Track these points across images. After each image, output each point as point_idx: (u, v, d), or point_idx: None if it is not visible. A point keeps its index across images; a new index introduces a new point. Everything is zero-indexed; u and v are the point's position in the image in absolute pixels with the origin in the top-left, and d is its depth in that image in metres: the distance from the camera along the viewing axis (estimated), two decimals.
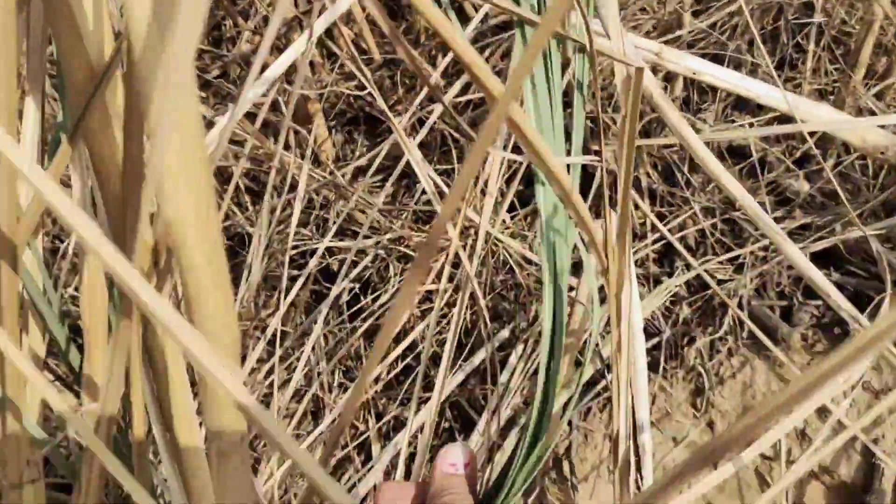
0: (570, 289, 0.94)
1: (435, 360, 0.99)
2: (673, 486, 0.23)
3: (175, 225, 0.21)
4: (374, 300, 1.00)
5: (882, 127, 0.92)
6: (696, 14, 1.13)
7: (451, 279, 0.98)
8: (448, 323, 0.99)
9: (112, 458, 0.32)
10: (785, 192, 1.06)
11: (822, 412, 0.93)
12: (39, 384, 0.32)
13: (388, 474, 0.94)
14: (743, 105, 1.15)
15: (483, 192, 0.96)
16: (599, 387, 0.97)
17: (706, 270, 0.98)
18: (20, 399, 0.39)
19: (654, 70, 1.03)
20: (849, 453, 0.93)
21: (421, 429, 0.89)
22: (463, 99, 1.03)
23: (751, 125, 1.06)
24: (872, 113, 1.08)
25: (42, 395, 0.29)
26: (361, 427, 1.00)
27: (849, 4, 1.13)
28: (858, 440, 0.94)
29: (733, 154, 1.10)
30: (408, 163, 1.03)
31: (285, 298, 0.94)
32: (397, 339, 0.96)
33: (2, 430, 0.40)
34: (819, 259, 1.00)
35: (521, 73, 0.18)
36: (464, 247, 0.95)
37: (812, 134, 0.97)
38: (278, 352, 0.97)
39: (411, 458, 0.93)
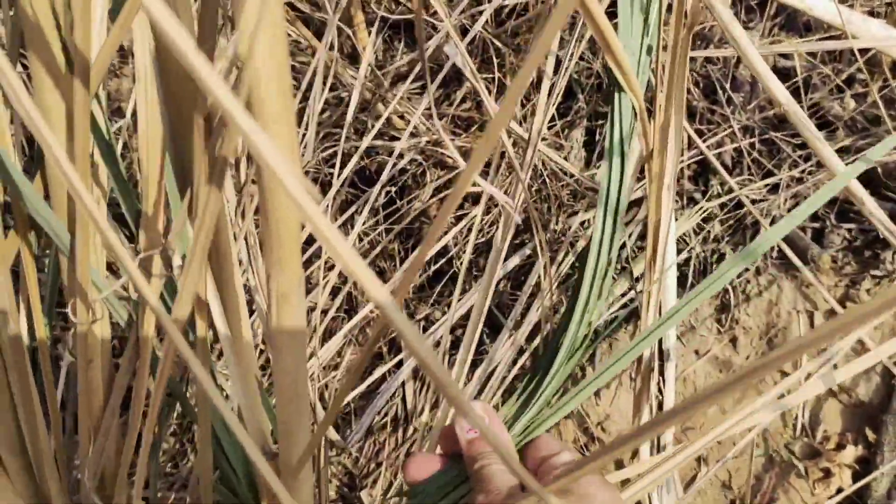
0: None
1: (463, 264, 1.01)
2: (697, 407, 0.25)
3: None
4: (409, 203, 1.01)
5: None
6: None
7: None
8: (479, 230, 1.01)
9: (159, 305, 0.35)
10: (826, 114, 1.05)
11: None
12: (104, 227, 0.34)
13: (416, 372, 0.97)
14: (790, 25, 1.13)
15: (524, 105, 0.97)
16: (626, 298, 0.99)
17: (742, 188, 0.98)
18: (87, 245, 0.41)
19: None
20: (868, 374, 0.95)
21: (452, 329, 0.92)
22: (508, 3, 1.02)
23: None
24: None
25: (107, 239, 0.31)
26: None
27: None
28: (880, 361, 0.95)
29: (777, 75, 1.08)
30: (448, 70, 1.03)
31: (325, 197, 0.96)
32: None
33: (70, 273, 0.42)
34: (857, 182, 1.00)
35: None
36: (502, 154, 0.96)
37: (861, 55, 0.96)
38: (317, 251, 0.99)
39: (450, 351, 0.97)
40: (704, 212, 1.01)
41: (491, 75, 1.10)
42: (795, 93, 1.05)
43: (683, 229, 0.98)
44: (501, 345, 0.93)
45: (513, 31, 1.12)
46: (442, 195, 1.00)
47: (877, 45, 0.88)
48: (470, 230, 1.03)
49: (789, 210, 1.01)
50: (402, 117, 1.07)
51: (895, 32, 0.87)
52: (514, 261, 1.00)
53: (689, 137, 1.02)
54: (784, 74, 1.08)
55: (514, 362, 0.94)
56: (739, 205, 1.01)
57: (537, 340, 0.97)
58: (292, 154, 0.30)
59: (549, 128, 1.04)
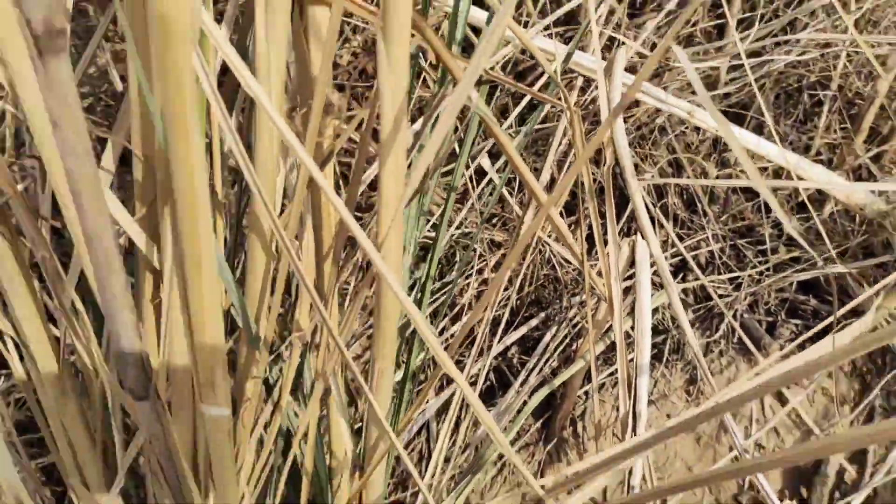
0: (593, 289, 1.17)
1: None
2: (662, 438, 0.48)
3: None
4: (445, 283, 1.25)
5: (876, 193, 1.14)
6: (733, 68, 1.35)
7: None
8: (502, 304, 1.24)
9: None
10: (784, 228, 1.28)
11: (784, 402, 1.17)
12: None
13: (440, 414, 1.20)
14: None
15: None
16: (613, 367, 1.22)
17: (712, 284, 1.22)
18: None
19: (684, 121, 1.25)
20: (803, 442, 1.17)
21: (474, 382, 1.15)
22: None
23: (764, 169, 1.28)
24: (869, 170, 1.30)
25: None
26: (421, 376, 1.26)
27: (865, 77, 1.34)
28: (812, 435, 1.17)
29: (748, 192, 1.32)
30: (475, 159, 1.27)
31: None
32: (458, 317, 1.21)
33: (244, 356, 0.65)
34: (803, 287, 1.23)
35: (563, 188, 0.43)
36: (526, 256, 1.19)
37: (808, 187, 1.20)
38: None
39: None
40: (677, 292, 1.24)
41: (512, 175, 1.34)
42: (761, 208, 1.29)
43: (659, 303, 1.21)
44: (508, 399, 1.16)
45: (534, 140, 1.37)
46: (469, 280, 1.23)
47: (819, 187, 1.12)
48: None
49: (749, 304, 1.24)
50: (437, 205, 1.31)
51: (834, 177, 1.11)
52: (522, 330, 1.23)
53: (672, 240, 1.26)
54: (753, 189, 1.32)
55: (519, 411, 1.16)
56: (709, 297, 1.24)
57: (540, 392, 1.19)
58: (399, 276, 0.54)
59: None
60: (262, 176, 0.54)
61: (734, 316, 1.21)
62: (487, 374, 1.23)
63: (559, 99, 0.91)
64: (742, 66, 1.30)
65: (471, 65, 0.48)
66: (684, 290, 1.25)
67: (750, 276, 1.23)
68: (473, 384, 1.12)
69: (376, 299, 0.57)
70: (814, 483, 1.14)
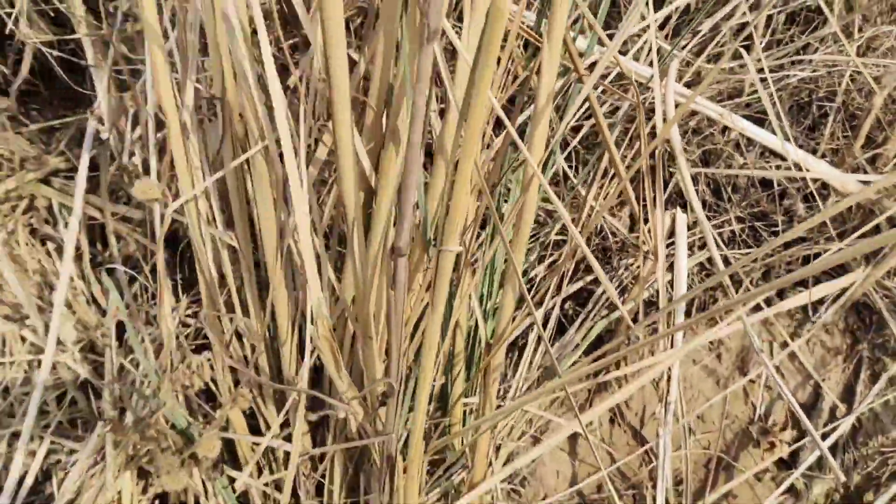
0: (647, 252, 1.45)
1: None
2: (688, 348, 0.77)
3: None
4: None
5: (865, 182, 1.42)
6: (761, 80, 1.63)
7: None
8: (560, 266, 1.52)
9: None
10: (793, 215, 1.56)
11: (793, 358, 1.44)
12: None
13: (509, 352, 1.48)
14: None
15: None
16: (651, 320, 1.50)
17: (733, 256, 1.50)
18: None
19: (713, 122, 1.54)
20: (805, 386, 1.45)
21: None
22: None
23: (778, 167, 1.56)
24: (864, 171, 1.58)
25: None
26: None
27: (864, 93, 1.62)
28: (811, 379, 1.45)
29: (764, 184, 1.61)
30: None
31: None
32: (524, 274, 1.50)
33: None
34: (807, 261, 1.51)
35: (638, 164, 0.72)
36: (574, 220, 1.47)
37: (816, 180, 1.48)
38: None
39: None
40: (705, 267, 1.52)
41: (570, 164, 1.63)
42: (775, 197, 1.57)
43: (691, 265, 1.49)
44: (566, 338, 1.44)
45: (584, 137, 1.65)
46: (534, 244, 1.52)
47: (821, 177, 1.40)
48: (549, 266, 1.54)
49: (762, 273, 1.52)
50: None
51: (834, 170, 1.39)
52: (578, 284, 1.52)
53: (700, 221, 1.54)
54: (769, 184, 1.60)
55: (576, 347, 1.44)
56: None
57: (593, 329, 1.48)
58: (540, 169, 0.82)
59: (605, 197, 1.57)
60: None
61: (751, 282, 1.49)
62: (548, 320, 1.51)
63: (624, 93, 1.19)
64: (763, 80, 1.58)
65: (593, 74, 0.78)
66: (709, 260, 1.53)
67: (763, 252, 1.51)
68: (546, 321, 1.41)
69: (522, 193, 0.86)
70: (811, 417, 1.42)
